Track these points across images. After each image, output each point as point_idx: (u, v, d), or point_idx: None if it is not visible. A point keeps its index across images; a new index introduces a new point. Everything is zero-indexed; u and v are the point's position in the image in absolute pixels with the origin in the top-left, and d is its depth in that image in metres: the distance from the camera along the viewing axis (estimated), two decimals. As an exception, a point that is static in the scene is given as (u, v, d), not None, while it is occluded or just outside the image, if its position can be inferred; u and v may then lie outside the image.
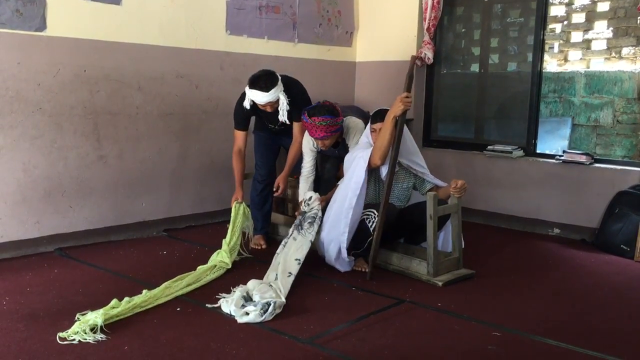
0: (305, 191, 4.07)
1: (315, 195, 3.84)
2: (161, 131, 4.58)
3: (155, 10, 4.43)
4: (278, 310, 3.02)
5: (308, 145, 4.08)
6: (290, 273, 3.45)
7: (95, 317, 2.77)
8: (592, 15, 6.64)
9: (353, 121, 4.10)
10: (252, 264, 3.87)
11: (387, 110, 3.78)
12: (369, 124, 3.82)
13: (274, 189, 4.18)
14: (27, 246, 3.94)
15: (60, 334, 2.68)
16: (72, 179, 4.10)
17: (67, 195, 4.08)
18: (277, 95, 3.83)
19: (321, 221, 3.75)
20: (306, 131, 4.00)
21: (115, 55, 4.24)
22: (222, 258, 3.70)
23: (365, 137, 3.81)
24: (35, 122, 3.89)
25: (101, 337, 2.67)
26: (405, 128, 3.83)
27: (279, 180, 4.14)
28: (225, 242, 3.81)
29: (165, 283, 3.27)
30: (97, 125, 4.20)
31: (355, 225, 3.64)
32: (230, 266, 3.68)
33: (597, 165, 4.75)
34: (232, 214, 3.92)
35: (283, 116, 3.89)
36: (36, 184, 3.93)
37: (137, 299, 3.03)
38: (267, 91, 3.78)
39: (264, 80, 3.80)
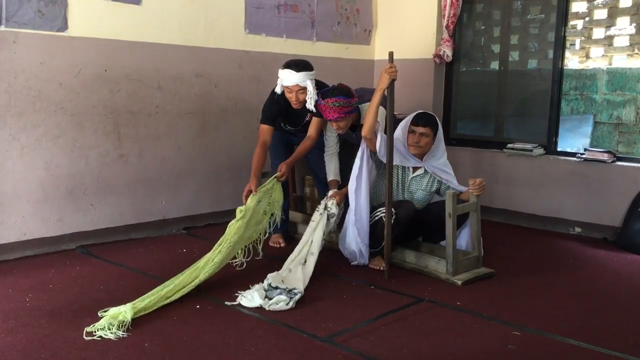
0: (332, 169, 4.11)
1: (330, 198, 3.85)
2: (181, 130, 4.61)
3: (175, 9, 4.46)
4: (297, 297, 3.15)
5: (331, 128, 4.09)
6: (312, 253, 3.58)
7: (125, 311, 2.81)
8: (614, 11, 6.53)
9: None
10: (270, 262, 3.88)
11: (432, 115, 3.83)
12: (405, 121, 3.81)
13: (277, 171, 3.99)
14: (49, 244, 3.99)
15: (88, 329, 2.72)
16: (93, 178, 4.15)
17: (88, 194, 4.13)
18: (306, 81, 3.83)
19: (339, 219, 3.78)
20: None
21: (136, 54, 4.28)
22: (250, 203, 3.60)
23: (400, 131, 3.80)
24: (57, 121, 3.94)
25: (122, 334, 2.70)
26: (441, 133, 3.84)
27: (282, 164, 3.97)
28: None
29: (188, 270, 3.27)
30: (118, 125, 4.24)
31: (364, 211, 3.67)
32: (244, 213, 3.53)
33: (619, 163, 4.69)
34: (250, 202, 3.72)
35: (310, 104, 3.87)
36: (58, 182, 3.98)
37: (164, 290, 3.06)
38: (298, 72, 3.80)
39: (296, 63, 3.87)
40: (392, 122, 3.57)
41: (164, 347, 2.62)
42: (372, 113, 3.59)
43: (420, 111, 3.88)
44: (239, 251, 3.64)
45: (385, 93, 3.55)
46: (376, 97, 3.58)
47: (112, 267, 3.72)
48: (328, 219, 3.75)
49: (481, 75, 5.72)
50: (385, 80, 3.52)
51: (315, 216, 3.78)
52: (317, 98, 3.88)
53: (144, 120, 4.39)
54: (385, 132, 3.57)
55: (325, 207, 3.79)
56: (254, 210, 3.70)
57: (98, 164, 4.16)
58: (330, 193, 3.93)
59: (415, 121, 3.76)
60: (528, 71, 5.39)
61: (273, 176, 3.91)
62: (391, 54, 3.58)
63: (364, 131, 3.62)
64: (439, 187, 3.87)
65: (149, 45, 4.35)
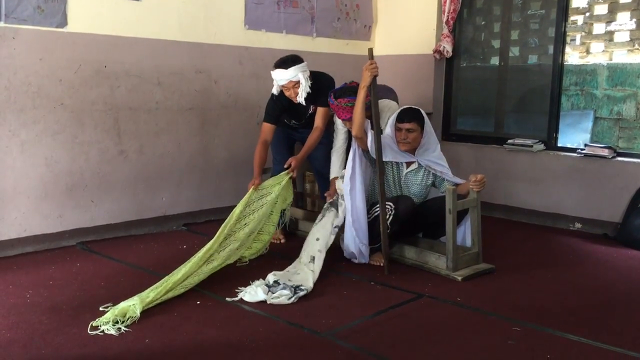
0: (337, 166, 4.08)
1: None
2: (181, 126, 4.61)
3: (174, 5, 4.45)
4: (302, 293, 3.18)
5: (341, 124, 4.09)
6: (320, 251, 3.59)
7: (133, 305, 2.82)
8: (614, 7, 6.52)
9: (386, 104, 4.11)
10: (270, 258, 3.89)
11: (417, 109, 3.79)
12: (392, 119, 3.80)
13: (285, 166, 4.02)
14: (49, 240, 3.99)
15: (93, 323, 2.73)
16: (94, 174, 4.15)
17: (88, 190, 4.13)
18: (297, 74, 3.84)
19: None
20: None
21: (135, 50, 4.27)
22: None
23: (389, 128, 3.79)
24: (57, 117, 3.94)
25: (124, 329, 2.71)
26: (429, 126, 3.81)
27: (292, 158, 4.00)
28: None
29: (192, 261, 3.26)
30: (118, 121, 4.24)
31: (361, 211, 3.67)
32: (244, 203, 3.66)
33: (619, 158, 4.69)
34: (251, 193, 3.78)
35: (301, 97, 3.89)
36: (58, 178, 3.98)
37: (170, 280, 3.08)
38: (287, 68, 3.83)
39: (285, 60, 3.89)
40: (378, 118, 3.56)
41: (165, 343, 2.62)
42: (358, 112, 3.57)
43: (405, 106, 3.86)
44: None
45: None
46: (360, 96, 3.57)
47: (113, 264, 3.72)
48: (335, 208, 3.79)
49: (481, 70, 5.71)
50: (367, 78, 3.52)
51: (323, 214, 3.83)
52: (309, 90, 3.88)
53: (144, 116, 4.38)
54: (382, 129, 3.57)
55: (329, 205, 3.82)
56: (261, 205, 3.79)
57: (98, 160, 4.16)
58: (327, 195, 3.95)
59: (400, 118, 3.74)
60: (528, 67, 5.38)
61: (285, 172, 3.93)
62: (370, 50, 3.59)
63: (354, 131, 3.61)
64: (434, 180, 3.86)
65: (149, 41, 4.34)
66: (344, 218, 3.72)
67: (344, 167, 4.07)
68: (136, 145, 4.36)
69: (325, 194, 4.03)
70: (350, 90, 3.80)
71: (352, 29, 5.81)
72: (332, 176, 4.11)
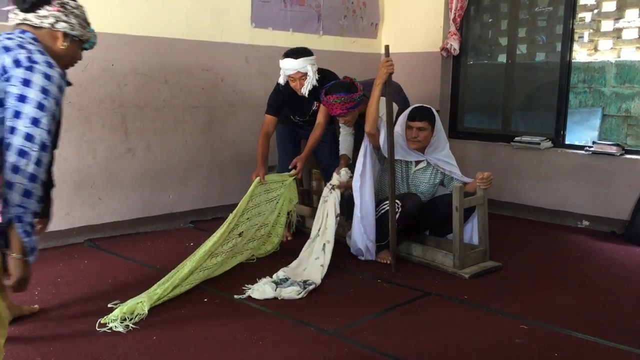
0: (344, 145, 4.10)
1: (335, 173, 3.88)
2: (187, 124, 4.62)
3: (182, 3, 4.46)
4: (311, 287, 3.21)
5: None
6: (328, 241, 3.59)
7: (141, 302, 2.84)
8: (623, 3, 6.47)
9: (383, 102, 4.11)
10: (277, 256, 3.89)
11: (428, 108, 3.79)
12: (402, 116, 3.79)
13: (290, 168, 4.08)
14: (57, 237, 4.01)
15: (102, 320, 2.74)
16: (101, 172, 4.17)
17: (96, 188, 4.15)
18: (306, 66, 3.85)
19: (347, 212, 3.80)
20: None
21: (143, 49, 4.28)
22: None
23: (399, 128, 3.79)
24: (64, 115, 3.92)
25: (132, 327, 2.72)
26: (440, 125, 3.80)
27: (296, 159, 4.03)
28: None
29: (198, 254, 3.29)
30: (125, 119, 4.25)
31: (370, 208, 3.67)
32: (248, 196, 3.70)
33: (627, 156, 4.67)
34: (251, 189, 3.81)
35: (306, 89, 3.89)
36: (66, 176, 4.00)
37: (176, 275, 3.10)
38: (296, 59, 3.83)
39: (295, 50, 3.90)
40: (392, 114, 3.56)
41: (172, 340, 2.63)
42: (373, 109, 3.57)
43: (417, 105, 3.86)
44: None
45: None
46: (376, 92, 3.57)
47: (120, 261, 3.74)
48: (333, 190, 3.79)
49: (489, 68, 5.70)
50: (382, 75, 3.52)
51: (326, 192, 3.81)
52: (315, 83, 3.88)
53: (151, 114, 4.39)
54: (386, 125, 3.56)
55: (332, 188, 3.79)
56: (266, 200, 3.81)
57: (105, 158, 4.18)
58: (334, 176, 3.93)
59: (412, 116, 3.74)
60: (536, 64, 5.36)
61: (287, 173, 3.94)
62: (387, 48, 3.59)
63: (367, 127, 3.60)
64: (442, 179, 3.86)
65: (156, 39, 4.35)
66: (338, 208, 3.73)
67: (352, 147, 4.09)
68: (143, 143, 4.37)
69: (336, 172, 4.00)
70: (340, 86, 3.80)
71: (358, 26, 5.81)
72: (341, 152, 4.12)
